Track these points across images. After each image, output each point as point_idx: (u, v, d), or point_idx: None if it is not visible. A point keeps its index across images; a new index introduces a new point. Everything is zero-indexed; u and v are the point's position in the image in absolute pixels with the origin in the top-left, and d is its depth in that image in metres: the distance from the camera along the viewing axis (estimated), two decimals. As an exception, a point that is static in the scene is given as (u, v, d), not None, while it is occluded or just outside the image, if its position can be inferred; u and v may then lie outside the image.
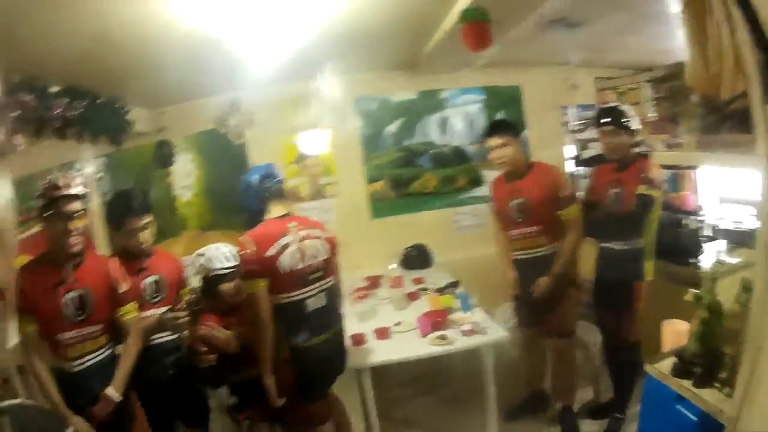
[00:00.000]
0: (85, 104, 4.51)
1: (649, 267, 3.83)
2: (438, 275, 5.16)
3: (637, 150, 3.95)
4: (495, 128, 4.18)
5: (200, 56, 4.08)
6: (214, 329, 3.42)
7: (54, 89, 4.17)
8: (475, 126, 6.15)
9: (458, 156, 6.17)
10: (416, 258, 5.74)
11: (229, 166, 6.21)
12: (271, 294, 3.20)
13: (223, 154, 6.29)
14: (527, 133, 6.13)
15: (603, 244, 4.05)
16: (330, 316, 3.49)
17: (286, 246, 3.25)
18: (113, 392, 2.93)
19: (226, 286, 3.44)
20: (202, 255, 3.51)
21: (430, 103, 6.17)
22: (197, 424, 3.63)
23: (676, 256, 4.24)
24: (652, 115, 5.53)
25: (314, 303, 3.37)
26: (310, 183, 6.23)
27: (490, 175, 5.35)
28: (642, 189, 3.67)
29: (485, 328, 3.70)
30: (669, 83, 5.40)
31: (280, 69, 4.09)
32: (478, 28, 3.64)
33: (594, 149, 5.53)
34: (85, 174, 6.69)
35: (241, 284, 3.36)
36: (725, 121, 2.41)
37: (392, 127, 6.18)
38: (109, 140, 5.22)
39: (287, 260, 3.23)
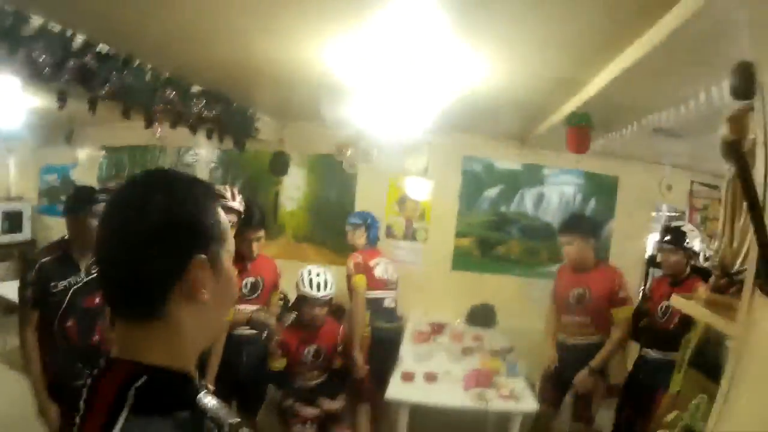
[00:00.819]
0: (220, 107, 5.16)
1: (677, 379, 3.82)
2: (497, 337, 5.47)
3: (691, 270, 4.17)
4: (565, 227, 4.64)
5: (330, 90, 4.54)
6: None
7: (195, 89, 4.85)
8: (569, 206, 6.43)
9: (546, 231, 6.43)
10: (481, 316, 6.06)
11: (336, 191, 6.85)
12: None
13: (333, 179, 6.88)
14: (613, 223, 6.38)
15: (643, 349, 4.32)
16: (395, 314, 5.33)
17: (378, 263, 5.25)
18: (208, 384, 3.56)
19: (307, 309, 4.14)
20: (305, 273, 4.19)
21: (531, 176, 6.51)
22: (250, 411, 4.15)
23: (713, 371, 4.45)
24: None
25: (388, 303, 5.27)
26: (405, 224, 6.73)
27: None
28: None
29: (521, 397, 4.01)
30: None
31: (402, 115, 4.35)
32: (580, 133, 4.09)
33: None
34: (200, 159, 7.49)
35: (323, 313, 4.18)
36: (732, 286, 2.76)
37: (491, 192, 6.56)
38: (234, 141, 5.91)
39: (379, 271, 5.17)
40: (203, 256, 1.07)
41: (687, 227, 4.32)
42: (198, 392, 1.05)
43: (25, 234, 8.89)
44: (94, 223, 3.19)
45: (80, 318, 3.39)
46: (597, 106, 3.79)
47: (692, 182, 6.53)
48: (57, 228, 8.43)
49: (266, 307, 4.21)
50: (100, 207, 3.20)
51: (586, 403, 4.45)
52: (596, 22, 2.63)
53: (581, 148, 4.18)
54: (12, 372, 5.84)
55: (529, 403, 4.00)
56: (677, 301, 3.03)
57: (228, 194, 3.54)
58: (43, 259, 3.36)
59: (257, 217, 4.00)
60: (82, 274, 3.45)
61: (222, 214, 1.15)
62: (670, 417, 2.57)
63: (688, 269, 4.20)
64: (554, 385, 4.61)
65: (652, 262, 5.87)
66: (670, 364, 3.86)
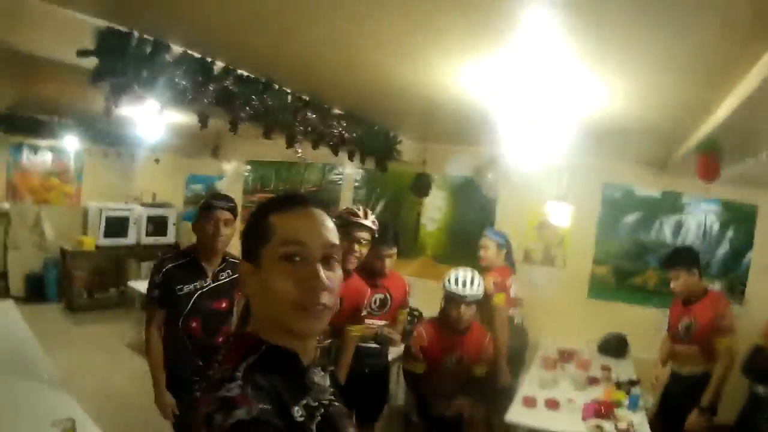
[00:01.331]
0: (361, 129, 5.49)
1: None
2: (626, 368, 5.47)
3: None
4: (669, 261, 4.70)
5: (470, 114, 4.80)
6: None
7: (335, 112, 5.20)
8: (708, 235, 6.32)
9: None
10: (613, 346, 6.05)
11: (476, 214, 7.13)
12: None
13: (473, 201, 7.19)
14: (751, 254, 6.17)
15: (754, 386, 4.25)
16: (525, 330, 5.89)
17: (512, 283, 5.60)
18: None
19: (453, 308, 4.37)
20: (452, 273, 4.46)
21: (670, 203, 6.44)
22: (368, 420, 4.38)
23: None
24: None
25: (518, 320, 5.81)
26: (543, 249, 6.91)
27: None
28: None
29: (638, 431, 4.03)
30: None
31: (543, 140, 4.45)
32: (709, 160, 4.10)
33: None
34: (345, 177, 7.94)
35: (468, 314, 4.40)
36: None
37: (630, 219, 6.58)
38: (376, 162, 6.23)
39: (513, 290, 5.55)
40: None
41: None
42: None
43: (169, 238, 9.93)
44: (209, 227, 3.59)
45: (205, 319, 3.67)
46: (729, 132, 3.72)
47: None
48: (201, 234, 9.24)
49: (392, 323, 4.45)
50: (219, 213, 3.61)
51: None
52: (715, 43, 2.64)
53: (710, 175, 4.17)
54: (138, 358, 6.72)
55: None
56: None
57: (360, 212, 3.85)
58: (170, 264, 3.67)
59: (390, 235, 4.24)
60: (209, 280, 3.72)
61: (274, 220, 1.39)
62: None
63: None
64: (664, 415, 4.66)
65: None
66: None
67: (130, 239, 9.57)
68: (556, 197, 6.73)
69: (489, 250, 5.66)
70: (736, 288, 6.19)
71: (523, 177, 6.48)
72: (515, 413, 4.24)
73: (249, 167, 9.09)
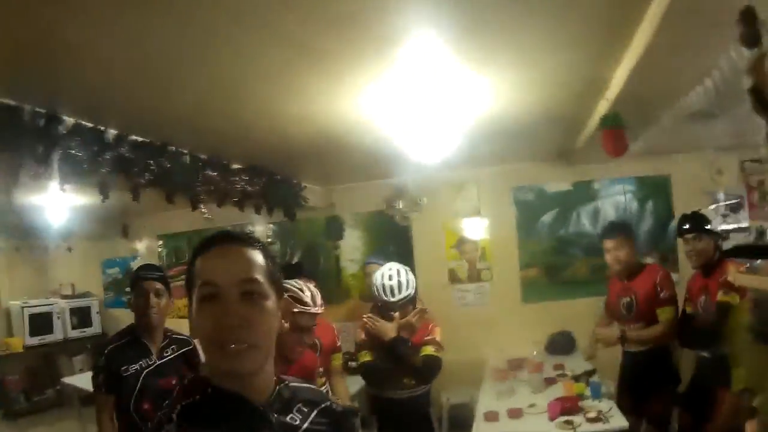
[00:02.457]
0: (264, 180, 5.40)
1: (738, 374, 3.65)
2: (578, 362, 5.42)
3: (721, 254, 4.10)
4: (609, 231, 4.66)
5: (370, 145, 4.75)
6: None
7: (235, 167, 5.10)
8: (627, 215, 6.45)
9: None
10: (561, 344, 6.07)
11: (394, 245, 7.02)
12: None
13: (388, 234, 7.12)
14: (675, 222, 6.09)
15: (697, 353, 4.28)
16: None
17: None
18: None
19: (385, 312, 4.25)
20: (378, 277, 4.27)
21: (583, 193, 6.60)
22: None
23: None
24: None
25: None
26: (468, 267, 6.89)
27: None
28: (720, 295, 3.85)
29: (609, 416, 3.94)
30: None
31: (444, 157, 4.51)
32: (614, 135, 4.10)
33: (734, 240, 5.66)
34: (258, 236, 7.87)
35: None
36: None
37: (547, 217, 6.67)
38: (284, 212, 6.13)
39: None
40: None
41: (704, 211, 4.31)
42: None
43: (96, 328, 9.49)
44: (140, 299, 3.42)
45: (157, 400, 3.40)
46: (626, 103, 3.80)
47: (742, 162, 6.39)
48: (126, 320, 8.90)
49: (326, 369, 4.23)
50: (148, 285, 3.44)
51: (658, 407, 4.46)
52: (596, 12, 2.70)
53: (618, 149, 4.18)
54: None
55: (619, 421, 3.92)
56: (743, 278, 3.17)
57: (306, 296, 3.36)
58: (112, 345, 3.52)
59: (306, 268, 4.37)
60: (154, 357, 3.56)
61: (197, 263, 1.42)
62: (756, 402, 2.71)
63: (717, 254, 4.15)
64: (626, 397, 4.62)
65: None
66: (724, 360, 3.76)
67: (57, 335, 9.16)
68: (469, 212, 6.88)
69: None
70: (669, 258, 6.36)
71: (433, 198, 6.77)
72: (480, 430, 4.15)
73: (161, 242, 8.89)
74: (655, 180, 6.50)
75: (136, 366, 3.49)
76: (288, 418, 1.43)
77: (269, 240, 7.76)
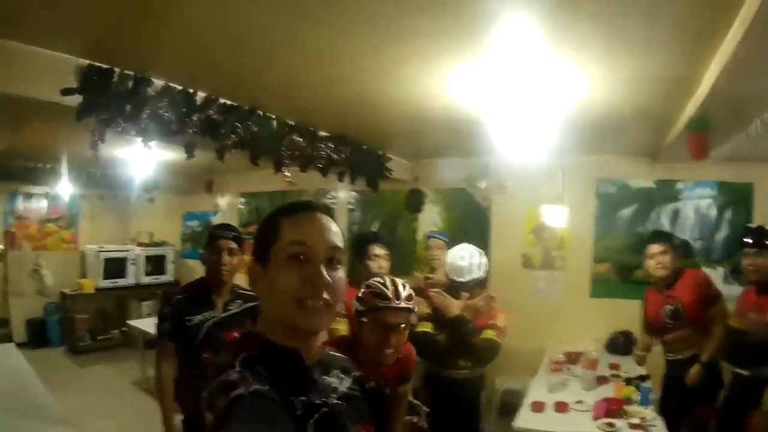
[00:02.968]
0: (349, 149, 5.53)
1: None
2: (635, 364, 5.32)
3: None
4: (656, 236, 4.69)
5: (458, 124, 4.83)
6: None
7: (321, 134, 5.24)
8: (705, 220, 6.31)
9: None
10: (620, 344, 6.03)
11: (472, 224, 7.13)
12: None
13: (468, 212, 7.21)
14: None
15: (734, 370, 4.23)
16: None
17: None
18: None
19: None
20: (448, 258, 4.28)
21: (665, 192, 6.45)
22: None
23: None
24: None
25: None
26: (543, 253, 6.90)
27: (709, 273, 5.62)
28: None
29: (651, 426, 3.96)
30: None
31: (533, 143, 4.41)
32: (699, 138, 4.09)
33: None
34: (338, 201, 7.97)
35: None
36: None
37: (626, 212, 6.59)
38: (367, 182, 6.27)
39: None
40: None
41: None
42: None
43: (169, 276, 10.10)
44: (214, 257, 3.55)
45: (218, 350, 3.47)
46: (715, 106, 3.71)
47: None
48: (199, 271, 9.22)
49: None
50: (223, 243, 3.58)
51: (702, 412, 4.45)
52: (691, 11, 2.66)
53: (701, 153, 4.16)
54: (146, 397, 6.90)
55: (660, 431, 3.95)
56: None
57: (389, 291, 2.94)
58: (180, 296, 3.64)
59: (380, 236, 4.41)
60: (219, 311, 3.66)
61: (282, 223, 1.50)
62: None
63: None
64: (670, 404, 4.60)
65: None
66: (758, 381, 3.85)
67: (129, 279, 9.72)
68: (551, 199, 6.82)
69: (441, 251, 5.55)
70: (739, 270, 5.91)
71: (516, 182, 6.68)
72: (523, 419, 4.21)
73: (243, 200, 9.17)
74: (738, 187, 6.25)
75: (200, 317, 3.60)
76: (328, 380, 1.54)
77: (350, 207, 7.83)
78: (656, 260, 4.62)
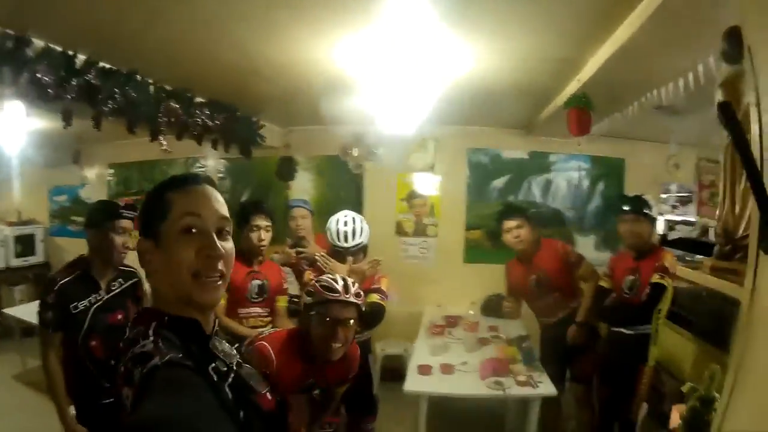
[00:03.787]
0: (224, 117, 5.29)
1: (654, 352, 4.12)
2: (512, 326, 5.55)
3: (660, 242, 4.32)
4: (510, 211, 4.86)
5: (334, 90, 4.67)
6: None
7: (198, 100, 4.95)
8: (578, 191, 6.64)
9: (556, 218, 6.64)
10: (495, 306, 6.04)
11: (345, 192, 7.02)
12: None
13: (341, 180, 7.07)
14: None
15: (613, 328, 4.45)
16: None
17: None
18: None
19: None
20: (333, 222, 4.28)
21: (538, 164, 6.69)
22: None
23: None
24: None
25: None
26: (415, 221, 6.91)
27: (582, 241, 6.11)
28: (656, 278, 4.01)
29: (538, 382, 4.15)
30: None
31: (404, 110, 4.37)
32: (580, 114, 4.21)
33: (680, 232, 5.81)
34: (208, 169, 7.75)
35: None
36: (737, 252, 2.94)
37: (499, 182, 6.75)
38: (240, 150, 6.04)
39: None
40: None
41: (646, 196, 4.48)
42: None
43: (39, 257, 9.20)
44: (118, 238, 3.29)
45: (105, 336, 3.35)
46: (597, 87, 3.90)
47: (699, 159, 6.64)
48: (70, 249, 8.65)
49: (271, 311, 4.36)
50: (123, 222, 3.32)
51: (584, 364, 4.69)
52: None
53: (582, 129, 4.30)
54: (31, 391, 6.17)
55: (548, 388, 4.14)
56: (682, 271, 3.23)
57: (339, 287, 2.92)
58: (62, 280, 3.33)
59: (264, 206, 4.26)
60: (103, 293, 3.43)
61: (171, 197, 1.46)
62: (685, 388, 2.72)
63: (652, 241, 4.40)
64: (554, 361, 4.74)
65: (664, 241, 5.85)
66: (643, 338, 4.11)
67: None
68: (424, 167, 6.90)
69: (306, 220, 5.41)
70: (611, 238, 6.47)
71: (389, 150, 6.69)
72: (412, 382, 4.24)
73: (111, 171, 8.67)
74: (610, 161, 6.66)
75: (85, 302, 3.37)
76: (225, 347, 1.56)
77: (221, 176, 7.60)
78: (512, 234, 4.81)
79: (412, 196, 7.00)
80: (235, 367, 1.51)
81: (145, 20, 3.16)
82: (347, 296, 2.86)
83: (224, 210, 1.51)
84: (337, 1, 2.87)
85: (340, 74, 4.19)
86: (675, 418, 3.08)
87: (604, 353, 4.57)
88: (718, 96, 2.52)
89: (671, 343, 4.64)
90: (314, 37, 3.44)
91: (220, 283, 1.45)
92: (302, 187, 7.30)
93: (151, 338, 1.31)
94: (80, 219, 8.73)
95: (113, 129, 4.23)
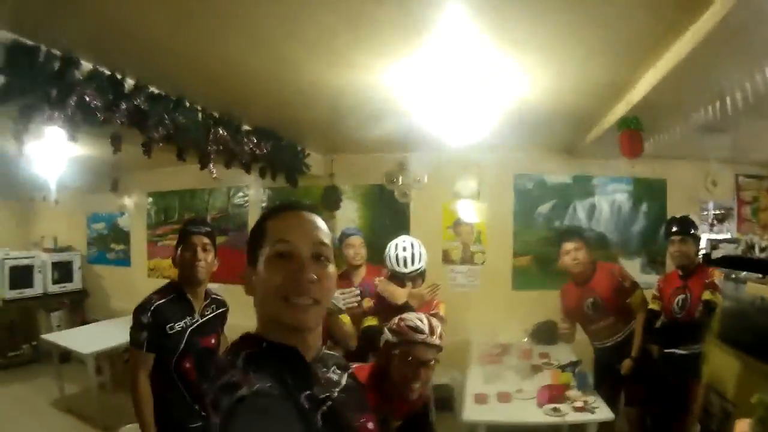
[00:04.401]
0: (271, 144, 5.32)
1: (706, 370, 4.17)
2: (563, 352, 5.60)
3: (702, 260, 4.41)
4: (569, 233, 4.97)
5: (381, 115, 4.71)
6: None
7: (246, 128, 5.01)
8: (621, 214, 6.66)
9: (601, 242, 6.59)
10: (546, 333, 6.18)
11: (390, 220, 7.07)
12: None
13: (386, 208, 7.14)
14: None
15: (666, 350, 4.51)
16: None
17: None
18: None
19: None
20: (392, 248, 4.20)
21: (581, 188, 6.73)
22: None
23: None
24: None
25: None
26: (462, 248, 6.93)
27: (627, 263, 6.03)
28: (707, 295, 4.10)
29: (594, 407, 4.16)
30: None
31: (452, 137, 4.52)
32: (632, 137, 4.28)
33: (724, 250, 5.87)
34: (250, 199, 7.76)
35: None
36: None
37: (545, 207, 6.77)
38: (286, 178, 6.09)
39: None
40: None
41: (692, 216, 4.61)
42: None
43: (76, 284, 9.27)
44: (189, 253, 3.32)
45: (198, 358, 3.41)
46: (644, 109, 3.95)
47: (737, 176, 6.66)
48: (107, 276, 8.90)
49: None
50: (196, 239, 3.34)
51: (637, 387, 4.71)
52: (637, 23, 2.78)
53: (634, 151, 4.36)
54: (70, 419, 6.33)
55: (604, 413, 4.14)
56: (752, 287, 3.26)
57: (424, 325, 2.84)
58: (157, 302, 3.34)
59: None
60: (197, 316, 3.46)
61: (268, 224, 1.54)
62: (754, 399, 2.80)
63: (698, 259, 4.47)
64: (607, 386, 4.76)
65: (707, 260, 5.95)
66: (695, 357, 4.22)
67: (37, 289, 8.86)
68: (469, 194, 6.91)
69: (363, 248, 5.37)
70: (656, 260, 6.56)
71: (434, 177, 6.79)
72: (471, 412, 4.25)
73: (150, 199, 8.74)
74: (652, 183, 6.65)
75: (182, 324, 3.40)
76: (329, 375, 1.57)
77: (263, 205, 7.61)
78: (571, 256, 4.86)
79: (458, 224, 7.02)
80: (335, 394, 1.50)
81: (196, 44, 3.19)
82: (433, 338, 2.80)
83: (322, 235, 1.54)
84: (395, 25, 2.89)
85: (389, 97, 4.22)
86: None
87: (657, 374, 4.58)
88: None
89: (718, 362, 4.54)
90: (371, 59, 3.44)
91: (313, 307, 1.46)
92: (348, 216, 7.35)
93: (241, 367, 1.35)
94: (119, 247, 8.90)
95: (152, 157, 4.17)
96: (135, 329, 3.32)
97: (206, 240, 3.43)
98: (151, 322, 3.29)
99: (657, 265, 6.52)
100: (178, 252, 3.44)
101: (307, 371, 1.47)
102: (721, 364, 4.56)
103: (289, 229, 1.51)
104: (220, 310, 3.66)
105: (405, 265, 4.08)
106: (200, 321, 3.48)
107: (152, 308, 3.32)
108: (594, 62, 3.42)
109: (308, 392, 1.40)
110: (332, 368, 1.60)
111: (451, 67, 3.48)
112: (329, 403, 1.44)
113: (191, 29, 2.99)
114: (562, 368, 4.96)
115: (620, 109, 4.19)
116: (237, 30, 3.01)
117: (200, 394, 3.32)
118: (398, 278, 4.13)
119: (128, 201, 9.00)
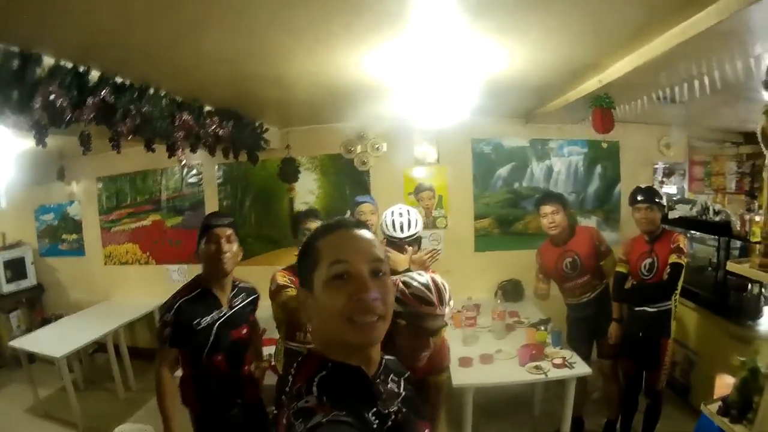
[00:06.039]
0: (232, 123, 5.29)
1: (675, 326, 4.67)
2: (530, 310, 5.97)
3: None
4: (547, 198, 5.17)
5: (337, 87, 4.64)
6: None
7: (207, 108, 4.95)
8: (577, 175, 7.03)
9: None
10: (511, 291, 6.56)
11: (351, 189, 7.17)
12: None
13: (345, 178, 7.25)
14: (620, 186, 7.01)
15: (636, 308, 4.82)
16: None
17: None
18: None
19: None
20: (388, 214, 4.17)
21: (538, 151, 7.02)
22: None
23: (738, 317, 5.01)
24: (731, 186, 6.64)
25: None
26: (424, 213, 7.10)
27: (583, 222, 6.51)
28: (674, 258, 4.50)
29: (573, 363, 4.48)
30: (751, 161, 6.37)
31: (409, 104, 4.61)
32: (603, 114, 4.61)
33: (680, 211, 6.15)
34: (205, 177, 7.71)
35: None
36: None
37: (503, 170, 7.05)
38: (248, 156, 6.09)
39: None
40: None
41: (655, 186, 5.07)
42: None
43: (31, 279, 8.77)
44: (213, 246, 3.37)
45: (228, 351, 3.46)
46: (614, 87, 4.18)
47: (689, 138, 7.15)
48: (62, 269, 8.69)
49: None
50: (220, 231, 3.39)
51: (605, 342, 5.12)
52: (624, 15, 2.88)
53: (607, 127, 4.74)
54: (48, 424, 6.22)
55: (582, 368, 4.45)
56: (733, 266, 3.57)
57: (434, 298, 2.70)
58: (182, 299, 3.38)
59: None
60: (225, 308, 3.50)
61: (320, 245, 1.54)
62: (736, 361, 3.16)
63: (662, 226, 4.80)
64: (580, 341, 5.16)
65: (665, 219, 5.88)
66: (664, 314, 4.62)
67: None
68: (429, 160, 7.14)
69: (375, 216, 5.31)
70: (611, 218, 7.05)
71: (394, 145, 6.97)
72: (459, 376, 4.37)
73: (100, 185, 8.45)
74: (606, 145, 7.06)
75: (208, 318, 3.43)
76: (390, 387, 1.60)
77: (219, 181, 7.59)
78: (548, 219, 5.10)
79: (419, 190, 7.22)
80: (397, 407, 1.54)
81: (173, 33, 3.05)
82: (441, 308, 2.70)
83: (377, 251, 1.53)
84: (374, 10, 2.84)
85: (366, 79, 4.28)
86: (721, 387, 3.53)
87: (629, 330, 4.91)
88: (762, 122, 2.87)
89: (680, 317, 5.17)
90: (346, 46, 3.45)
91: (378, 324, 1.47)
92: (307, 187, 7.40)
93: (315, 394, 1.38)
94: (71, 237, 8.69)
95: (97, 142, 3.89)
96: (160, 327, 3.40)
97: (229, 231, 3.47)
98: (176, 319, 3.34)
99: (611, 222, 7.00)
100: (202, 246, 3.46)
101: (371, 389, 1.50)
102: (682, 317, 5.32)
103: (344, 248, 1.50)
104: (249, 298, 3.72)
105: (402, 229, 4.10)
106: (229, 313, 3.52)
107: (176, 306, 3.37)
108: (575, 46, 3.52)
109: (374, 409, 1.44)
110: (390, 377, 1.63)
111: (431, 49, 3.48)
112: (393, 417, 1.48)
113: (167, 18, 2.82)
114: (535, 326, 5.26)
115: (591, 85, 4.37)
116: (218, 20, 2.89)
117: (230, 386, 3.50)
118: (395, 245, 4.14)
119: (77, 188, 8.68)
